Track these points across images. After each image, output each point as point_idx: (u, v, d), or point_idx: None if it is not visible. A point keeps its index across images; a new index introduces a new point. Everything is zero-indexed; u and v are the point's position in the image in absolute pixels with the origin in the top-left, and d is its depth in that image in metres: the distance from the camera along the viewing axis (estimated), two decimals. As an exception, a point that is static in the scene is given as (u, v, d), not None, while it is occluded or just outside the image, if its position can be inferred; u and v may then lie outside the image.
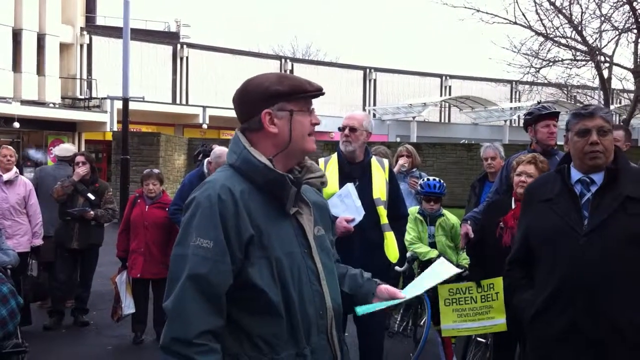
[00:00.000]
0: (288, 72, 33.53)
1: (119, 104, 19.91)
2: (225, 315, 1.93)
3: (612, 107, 21.59)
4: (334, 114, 30.10)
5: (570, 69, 18.76)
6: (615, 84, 20.71)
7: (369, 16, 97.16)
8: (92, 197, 6.81)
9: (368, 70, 39.84)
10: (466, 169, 19.00)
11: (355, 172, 4.30)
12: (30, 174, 15.46)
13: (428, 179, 5.73)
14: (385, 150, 6.55)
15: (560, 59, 18.31)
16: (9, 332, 4.68)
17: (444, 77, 42.13)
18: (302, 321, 1.99)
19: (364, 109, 36.90)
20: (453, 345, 5.21)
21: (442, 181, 5.64)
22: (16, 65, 26.92)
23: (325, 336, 2.07)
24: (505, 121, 38.30)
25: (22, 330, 5.40)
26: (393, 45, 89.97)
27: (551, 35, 17.47)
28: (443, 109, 41.41)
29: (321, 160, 4.42)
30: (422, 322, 5.65)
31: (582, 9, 17.09)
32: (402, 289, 2.29)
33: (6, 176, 6.58)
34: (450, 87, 42.04)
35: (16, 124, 24.87)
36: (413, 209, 5.57)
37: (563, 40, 17.67)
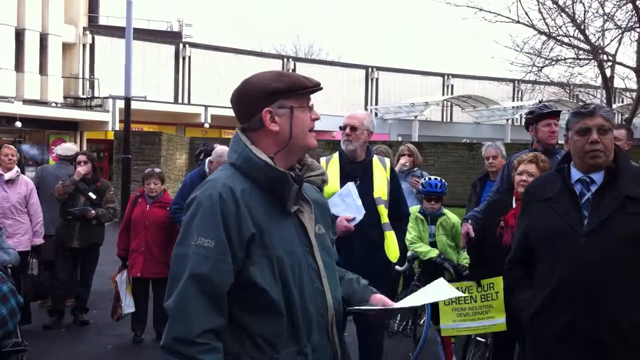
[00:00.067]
0: (290, 71, 33.58)
1: (121, 104, 19.97)
2: (227, 314, 1.92)
3: (614, 106, 21.54)
4: (336, 113, 30.10)
5: (573, 67, 18.75)
6: (617, 83, 20.68)
7: (371, 15, 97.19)
8: (93, 196, 6.82)
9: (370, 69, 39.83)
10: (467, 168, 18.98)
11: (356, 171, 4.29)
12: (31, 173, 15.49)
13: (429, 178, 5.72)
14: (387, 150, 6.53)
15: (562, 58, 18.29)
16: (9, 331, 4.68)
17: (446, 76, 42.09)
18: (303, 319, 1.99)
19: (366, 108, 36.87)
20: (453, 344, 5.20)
21: (443, 180, 5.63)
22: (19, 65, 26.96)
23: (326, 334, 2.07)
24: (507, 120, 38.25)
25: (22, 329, 5.40)
26: (395, 44, 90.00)
27: (554, 34, 17.45)
28: (445, 108, 41.38)
29: (322, 159, 4.42)
30: (422, 321, 5.64)
31: (585, 7, 17.09)
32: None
33: (7, 175, 6.58)
34: (452, 86, 42.01)
35: (18, 124, 24.91)
36: (414, 209, 5.56)
37: (566, 39, 17.66)
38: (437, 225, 5.50)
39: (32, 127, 27.17)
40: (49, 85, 27.77)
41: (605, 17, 16.80)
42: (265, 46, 75.35)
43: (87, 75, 30.61)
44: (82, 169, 6.76)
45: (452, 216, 5.58)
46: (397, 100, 39.00)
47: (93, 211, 6.72)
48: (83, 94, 30.30)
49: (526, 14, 17.29)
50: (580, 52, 17.83)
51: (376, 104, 39.33)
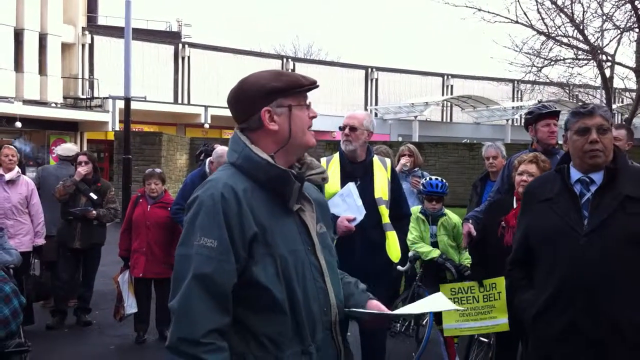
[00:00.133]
0: (290, 71, 33.51)
1: (120, 104, 19.96)
2: (232, 313, 1.93)
3: (614, 106, 21.53)
4: (336, 113, 30.11)
5: (572, 68, 18.74)
6: (617, 83, 20.67)
7: (370, 15, 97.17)
8: (94, 196, 6.82)
9: (370, 69, 39.82)
10: (468, 168, 18.98)
11: (357, 171, 4.30)
12: (32, 173, 15.49)
13: (430, 179, 5.72)
14: (387, 150, 6.54)
15: (562, 58, 18.29)
16: (12, 331, 4.70)
17: (445, 77, 42.09)
18: (307, 318, 1.99)
19: (365, 109, 36.86)
20: (456, 344, 5.21)
21: (444, 180, 5.63)
22: (18, 65, 26.95)
23: (330, 333, 2.07)
24: (507, 120, 38.25)
25: (24, 329, 5.41)
26: (394, 45, 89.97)
27: (553, 34, 17.45)
28: (445, 108, 41.37)
29: (323, 160, 4.43)
30: (425, 321, 5.65)
31: (583, 8, 17.07)
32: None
33: (8, 176, 6.59)
34: (452, 86, 42.00)
35: (18, 124, 24.90)
36: (415, 209, 5.57)
37: (565, 40, 17.65)
38: (439, 225, 5.50)
39: (32, 128, 27.16)
40: (48, 86, 27.76)
41: (604, 18, 16.80)
42: (265, 46, 75.39)
43: (86, 76, 30.59)
44: (82, 170, 6.76)
45: (453, 216, 5.59)
46: (396, 100, 38.99)
47: (94, 211, 6.73)
48: (83, 94, 30.29)
49: (525, 14, 17.30)
50: (580, 52, 17.83)
51: (376, 104, 39.32)
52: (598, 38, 17.28)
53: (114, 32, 29.36)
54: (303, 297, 1.99)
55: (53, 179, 7.20)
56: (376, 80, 39.90)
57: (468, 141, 26.97)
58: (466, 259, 5.28)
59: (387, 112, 38.08)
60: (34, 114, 25.99)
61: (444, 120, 41.40)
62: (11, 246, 5.62)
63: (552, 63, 18.31)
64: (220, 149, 6.09)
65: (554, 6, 16.97)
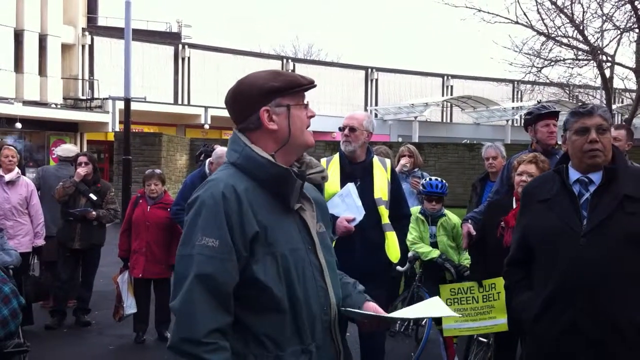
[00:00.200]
0: (290, 71, 33.53)
1: (120, 105, 19.97)
2: (233, 313, 1.93)
3: (614, 106, 21.54)
4: (336, 114, 30.13)
5: (572, 68, 18.75)
6: (617, 84, 20.68)
7: (370, 16, 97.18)
8: (94, 197, 6.82)
9: (370, 70, 39.84)
10: (468, 168, 18.99)
11: (356, 171, 4.30)
12: (32, 174, 15.50)
13: (430, 179, 5.72)
14: (387, 150, 6.54)
15: (561, 59, 18.29)
16: (11, 331, 4.69)
17: (445, 77, 42.11)
18: (307, 317, 2.00)
19: (365, 109, 36.90)
20: (455, 345, 5.21)
21: (444, 181, 5.63)
22: (18, 66, 26.97)
23: (329, 332, 2.08)
24: (507, 121, 38.28)
25: (23, 329, 5.41)
26: (394, 45, 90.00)
27: (553, 35, 17.45)
28: (445, 108, 41.40)
29: (323, 160, 4.42)
30: (424, 322, 5.65)
31: (583, 8, 17.07)
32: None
33: (8, 176, 6.58)
34: (452, 87, 42.03)
35: (18, 125, 24.93)
36: (414, 209, 5.57)
37: (565, 40, 17.66)
38: (438, 225, 5.50)
39: (32, 129, 27.19)
40: (48, 86, 27.78)
41: (604, 18, 16.81)
42: (265, 47, 75.43)
43: (86, 76, 30.61)
44: (82, 170, 6.76)
45: (452, 217, 5.59)
46: (396, 101, 39.01)
47: (94, 212, 6.73)
48: (83, 95, 30.31)
49: (525, 14, 17.30)
50: (580, 52, 17.84)
51: (376, 104, 39.34)
52: (598, 38, 17.29)
53: (114, 32, 29.39)
54: (303, 296, 1.99)
55: (53, 180, 7.21)
56: (376, 80, 39.92)
57: (468, 142, 26.98)
58: (465, 259, 5.28)
59: (387, 113, 38.12)
60: (34, 115, 26.02)
61: (444, 120, 41.42)
62: (11, 247, 5.62)
63: (552, 63, 18.32)
64: (220, 150, 6.09)
65: (553, 7, 16.98)
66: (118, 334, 6.51)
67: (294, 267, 1.99)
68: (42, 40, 27.81)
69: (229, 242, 1.91)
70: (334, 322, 2.08)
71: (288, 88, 2.06)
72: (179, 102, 33.10)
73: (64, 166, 7.52)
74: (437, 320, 4.84)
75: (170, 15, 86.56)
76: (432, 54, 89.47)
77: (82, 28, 30.63)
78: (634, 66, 17.97)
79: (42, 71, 27.83)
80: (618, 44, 17.68)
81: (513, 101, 39.20)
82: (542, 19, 17.15)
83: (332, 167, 4.34)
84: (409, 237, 5.13)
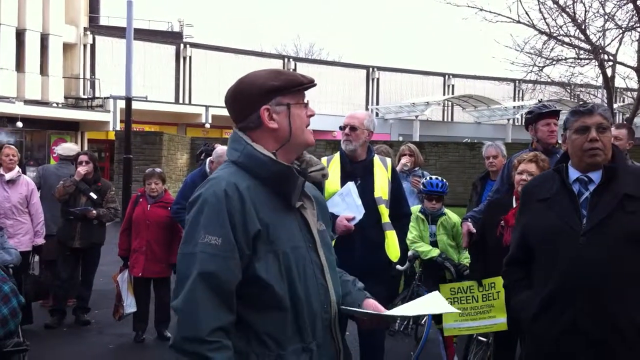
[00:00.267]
0: (291, 70, 33.55)
1: (121, 104, 19.97)
2: (235, 312, 1.92)
3: (615, 105, 21.53)
4: (337, 113, 30.11)
5: (574, 67, 18.77)
6: (618, 83, 20.71)
7: (371, 15, 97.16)
8: (94, 196, 6.82)
9: (371, 69, 39.82)
10: (468, 167, 18.98)
11: (357, 170, 4.30)
12: (32, 173, 15.51)
13: (430, 178, 5.72)
14: (387, 149, 6.54)
15: (563, 58, 18.30)
16: (10, 330, 4.69)
17: (446, 76, 42.08)
18: (308, 315, 2.00)
19: (366, 108, 36.87)
20: (455, 344, 5.20)
21: (444, 180, 5.63)
22: (19, 65, 26.98)
23: (329, 330, 2.08)
24: (508, 120, 38.25)
25: (23, 328, 5.40)
26: (396, 44, 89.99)
27: (554, 34, 17.46)
28: (446, 107, 41.37)
29: (324, 159, 4.42)
30: (423, 321, 5.65)
31: (585, 7, 17.09)
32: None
33: (8, 175, 6.58)
34: (453, 86, 42.00)
35: (19, 124, 24.95)
36: (415, 208, 5.56)
37: (566, 39, 17.66)
38: (438, 224, 5.49)
39: (33, 128, 27.21)
40: (49, 86, 27.79)
41: (606, 17, 16.82)
42: (266, 46, 75.33)
43: (87, 76, 30.62)
44: (82, 169, 6.75)
45: (452, 216, 5.58)
46: (398, 100, 39.00)
47: (94, 211, 6.73)
48: (84, 94, 30.32)
49: (527, 13, 17.32)
50: (581, 51, 17.84)
51: (377, 103, 39.34)
52: (600, 37, 17.30)
53: (116, 32, 29.37)
54: (304, 294, 1.99)
55: (54, 178, 7.22)
56: (377, 79, 39.91)
57: (469, 141, 26.96)
58: (465, 258, 5.28)
59: (388, 112, 38.10)
60: (35, 114, 26.05)
61: (445, 119, 41.40)
62: (11, 245, 5.61)
63: (554, 62, 18.33)
64: (220, 149, 6.09)
65: (555, 6, 16.98)
66: (118, 333, 6.50)
67: (295, 265, 1.99)
68: (44, 39, 27.82)
69: (231, 240, 1.91)
70: (334, 320, 2.08)
71: (288, 87, 2.07)
72: (180, 101, 33.11)
73: (65, 165, 7.52)
74: (437, 320, 4.83)
75: (171, 14, 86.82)
76: (434, 53, 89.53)
77: (84, 27, 30.64)
78: (636, 65, 17.97)
79: (43, 70, 27.84)
80: (620, 43, 17.71)
81: (514, 100, 39.19)
82: (544, 18, 17.17)
83: (333, 166, 4.34)
84: (409, 236, 5.13)
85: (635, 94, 18.83)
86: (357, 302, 2.18)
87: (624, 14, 16.87)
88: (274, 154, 2.04)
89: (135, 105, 16.15)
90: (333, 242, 2.47)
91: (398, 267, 4.54)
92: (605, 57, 17.64)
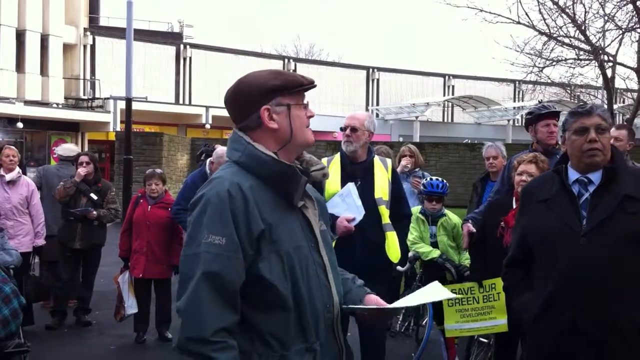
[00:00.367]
0: (292, 71, 33.54)
1: (122, 104, 19.98)
2: (239, 312, 1.92)
3: (615, 106, 21.54)
4: (337, 113, 30.11)
5: (574, 68, 18.78)
6: (618, 83, 20.71)
7: (371, 15, 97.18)
8: (94, 197, 6.82)
9: (371, 70, 39.83)
10: (469, 168, 18.97)
11: (357, 171, 4.30)
12: (33, 173, 15.52)
13: (430, 179, 5.72)
14: (387, 150, 6.54)
15: (563, 59, 18.31)
16: (12, 331, 4.70)
17: (447, 77, 42.08)
18: (311, 315, 2.00)
19: (367, 109, 36.89)
20: (456, 345, 5.20)
21: (444, 181, 5.63)
22: (19, 66, 26.99)
23: (332, 330, 2.08)
24: (509, 121, 38.26)
25: (24, 330, 5.40)
26: (396, 45, 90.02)
27: (554, 35, 17.46)
28: (446, 108, 41.37)
29: (324, 160, 4.42)
30: (424, 322, 5.65)
31: (585, 8, 17.10)
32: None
33: (9, 176, 6.58)
34: (453, 86, 41.99)
35: (19, 124, 24.95)
36: (415, 209, 5.56)
37: (566, 40, 17.67)
38: (438, 225, 5.49)
39: (33, 128, 27.22)
40: (50, 86, 27.80)
41: (606, 18, 16.83)
42: (266, 47, 75.32)
43: (88, 76, 30.63)
44: (82, 171, 6.75)
45: (453, 217, 5.58)
46: (398, 100, 39.00)
47: (94, 212, 6.73)
48: (84, 95, 30.33)
49: (526, 14, 17.33)
50: (581, 52, 17.85)
51: (377, 104, 39.34)
52: (600, 38, 17.32)
53: (116, 32, 29.38)
54: (307, 294, 2.00)
55: (54, 179, 7.22)
56: (377, 80, 39.91)
57: (469, 141, 26.96)
58: (466, 259, 5.28)
59: (388, 113, 38.11)
60: (36, 115, 26.05)
61: (445, 120, 41.40)
62: (11, 247, 5.62)
63: (554, 63, 18.34)
64: (221, 149, 6.10)
65: (555, 6, 16.99)
66: (119, 334, 6.50)
67: (298, 265, 1.99)
68: (44, 40, 27.83)
69: (235, 240, 1.91)
70: (337, 320, 2.09)
71: (288, 87, 2.07)
72: (180, 102, 33.11)
73: (65, 166, 7.52)
74: (439, 321, 4.83)
75: (171, 15, 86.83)
76: (434, 53, 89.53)
77: (84, 28, 30.64)
78: (636, 66, 17.98)
79: (43, 71, 27.85)
80: (620, 44, 17.72)
81: (514, 101, 39.19)
82: (544, 19, 17.19)
83: (333, 166, 4.34)
84: (410, 237, 5.13)
85: (635, 94, 18.84)
86: (358, 298, 2.19)
87: (623, 14, 16.90)
88: (275, 154, 2.04)
89: (135, 105, 16.16)
90: (333, 243, 2.48)
91: (399, 268, 4.54)
92: (605, 57, 17.65)
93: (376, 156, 4.45)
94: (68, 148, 7.90)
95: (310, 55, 49.82)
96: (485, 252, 4.21)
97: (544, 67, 18.49)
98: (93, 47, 30.83)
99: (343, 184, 4.24)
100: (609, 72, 18.13)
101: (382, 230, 4.25)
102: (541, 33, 17.42)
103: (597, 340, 2.53)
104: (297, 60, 39.87)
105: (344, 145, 4.31)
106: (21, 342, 4.92)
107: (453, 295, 2.43)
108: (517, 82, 30.15)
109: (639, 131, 23.66)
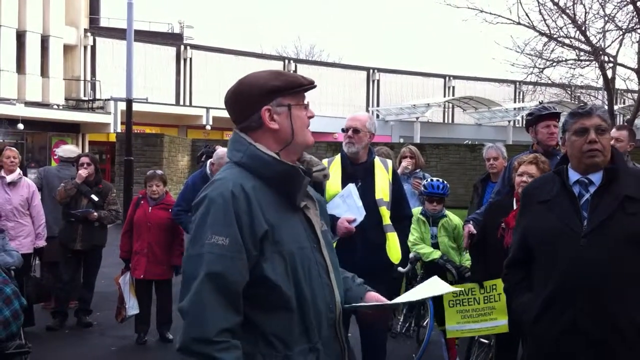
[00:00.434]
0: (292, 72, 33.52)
1: (122, 105, 19.99)
2: (242, 313, 1.92)
3: (616, 107, 21.53)
4: (337, 114, 30.14)
5: (574, 69, 18.78)
6: (619, 84, 20.69)
7: (371, 16, 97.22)
8: (95, 198, 6.82)
9: (371, 70, 39.84)
10: (469, 169, 18.98)
11: (358, 172, 4.30)
12: (33, 175, 15.53)
13: (431, 180, 5.72)
14: (388, 151, 6.54)
15: (563, 59, 18.30)
16: (12, 332, 4.70)
17: (447, 78, 42.09)
18: (314, 316, 2.00)
19: (367, 110, 36.90)
20: (457, 346, 5.20)
21: (445, 182, 5.63)
22: (20, 67, 27.02)
23: (334, 330, 2.08)
24: (509, 122, 38.26)
25: (25, 331, 5.40)
26: (396, 46, 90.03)
27: (555, 36, 17.45)
28: (446, 109, 41.38)
29: (324, 161, 4.42)
30: (425, 323, 5.65)
31: (585, 9, 17.09)
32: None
33: (9, 178, 6.59)
34: (453, 87, 42.01)
35: (20, 126, 24.96)
36: (416, 210, 5.56)
37: (567, 41, 17.66)
38: (439, 226, 5.49)
39: (34, 129, 27.24)
40: (50, 87, 27.83)
41: (606, 19, 16.82)
42: (266, 48, 75.43)
43: (88, 77, 30.66)
44: (83, 172, 6.75)
45: (453, 218, 5.58)
46: (398, 101, 39.02)
47: (95, 213, 6.73)
48: (84, 96, 30.36)
49: (527, 15, 17.32)
50: (582, 53, 17.85)
51: (378, 105, 39.35)
52: (600, 39, 17.31)
53: (116, 33, 29.40)
54: (310, 294, 2.00)
55: (55, 180, 7.23)
56: (378, 81, 39.92)
57: (470, 142, 26.97)
58: (467, 260, 5.28)
59: (389, 114, 38.13)
60: (36, 116, 26.07)
61: (446, 121, 41.41)
62: (12, 248, 5.62)
63: (554, 64, 18.33)
64: (221, 151, 6.10)
65: (555, 7, 16.98)
66: (120, 335, 6.51)
67: (301, 266, 1.99)
68: (44, 41, 27.86)
69: (239, 240, 1.90)
70: (339, 319, 2.09)
71: (289, 88, 2.07)
72: (181, 103, 33.13)
73: (66, 167, 7.52)
74: (440, 321, 4.83)
75: (172, 16, 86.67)
76: (434, 54, 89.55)
77: (84, 29, 30.67)
78: (636, 67, 17.96)
79: (44, 72, 27.87)
80: (620, 45, 17.71)
81: (515, 102, 39.20)
82: (544, 20, 17.18)
83: (334, 167, 4.33)
84: (410, 238, 5.13)
85: (635, 95, 18.85)
86: (359, 296, 2.19)
87: (624, 15, 16.89)
88: (277, 154, 2.04)
89: (135, 107, 16.18)
90: (334, 244, 2.48)
91: (399, 269, 4.55)
92: (606, 58, 17.64)
93: (377, 157, 4.45)
94: (69, 149, 7.91)
95: (310, 56, 49.85)
96: (486, 253, 4.21)
97: (544, 68, 18.49)
98: (93, 48, 30.86)
99: (344, 185, 4.24)
100: (609, 73, 18.13)
101: (382, 231, 4.24)
102: (541, 34, 17.42)
103: (597, 340, 2.53)
104: (298, 61, 39.88)
105: (345, 147, 4.30)
106: (22, 343, 4.92)
107: (453, 289, 2.44)
108: (517, 83, 30.16)
109: (639, 132, 23.68)
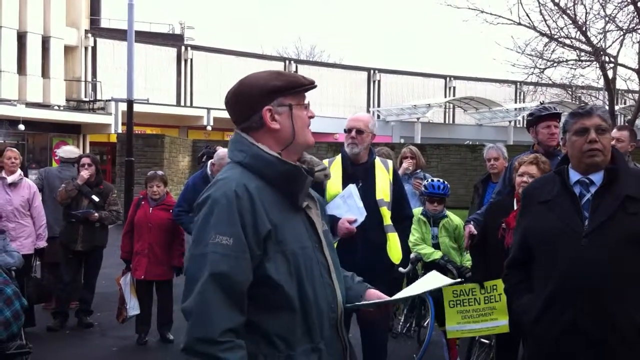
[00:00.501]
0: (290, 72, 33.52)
1: (123, 106, 20.04)
2: (246, 313, 1.92)
3: (616, 107, 21.53)
4: (338, 115, 30.12)
5: (575, 69, 18.78)
6: (619, 85, 20.70)
7: (372, 17, 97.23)
8: (96, 199, 6.83)
9: (372, 71, 39.85)
10: (470, 170, 18.98)
11: (358, 173, 4.30)
12: (34, 175, 15.54)
13: (432, 180, 5.72)
14: (388, 152, 6.53)
15: (564, 60, 18.31)
16: (13, 333, 4.71)
17: (448, 78, 42.09)
18: (316, 315, 2.00)
19: (368, 110, 36.92)
20: (457, 346, 5.20)
21: (445, 182, 5.63)
22: (21, 68, 27.04)
23: (336, 329, 2.09)
24: (510, 122, 38.26)
25: (26, 331, 5.42)
26: (396, 46, 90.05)
27: (555, 36, 17.46)
28: (447, 110, 41.38)
29: (325, 161, 4.42)
30: (426, 323, 5.65)
31: (586, 9, 17.10)
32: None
33: (10, 178, 6.59)
34: (454, 88, 42.00)
35: (21, 126, 24.99)
36: (416, 210, 5.56)
37: (567, 41, 17.66)
38: (440, 227, 5.49)
39: (35, 130, 27.26)
40: (51, 88, 27.85)
41: (607, 19, 16.83)
42: (267, 48, 75.42)
43: (89, 78, 30.68)
44: (85, 174, 6.75)
45: (454, 218, 5.58)
46: (399, 102, 39.02)
47: (96, 214, 6.74)
48: (85, 97, 30.39)
49: (527, 15, 17.34)
50: (582, 53, 17.85)
51: (378, 106, 39.36)
52: (601, 39, 17.32)
53: (117, 34, 29.42)
54: (313, 294, 2.00)
55: (56, 181, 7.24)
56: (378, 82, 39.93)
57: (470, 143, 26.96)
58: (467, 260, 5.28)
59: (390, 114, 38.13)
60: (37, 117, 26.10)
61: (446, 121, 41.41)
62: (13, 248, 5.63)
63: (555, 64, 18.34)
64: (222, 151, 6.11)
65: (556, 8, 16.99)
66: (120, 336, 6.51)
67: (303, 265, 2.00)
68: (45, 42, 27.88)
69: (243, 240, 1.90)
70: (341, 319, 2.10)
71: (290, 88, 2.07)
72: (182, 103, 33.15)
73: (67, 167, 7.53)
74: (440, 322, 4.83)
75: (172, 17, 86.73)
76: (435, 55, 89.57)
77: (85, 30, 30.70)
78: (637, 67, 17.96)
79: (45, 73, 27.90)
80: (621, 45, 17.72)
81: (515, 102, 39.20)
82: (545, 20, 17.19)
83: (334, 168, 4.33)
84: (411, 238, 5.13)
85: (636, 95, 18.84)
86: (359, 294, 2.20)
87: (624, 15, 16.90)
88: (278, 154, 2.04)
89: (136, 107, 16.20)
90: (335, 244, 2.48)
91: (400, 269, 4.55)
92: (606, 58, 17.65)
93: (377, 157, 4.45)
94: (69, 150, 7.91)
95: (311, 57, 49.88)
96: (487, 253, 4.21)
97: (545, 68, 18.50)
98: (94, 49, 30.88)
99: (344, 185, 4.24)
100: (610, 73, 18.13)
101: (383, 232, 4.24)
102: (542, 34, 17.42)
103: (597, 340, 2.53)
104: (298, 61, 39.90)
105: (348, 147, 4.30)
106: (23, 343, 4.93)
107: (452, 281, 2.45)
108: (518, 84, 30.20)
109: (640, 132, 23.63)
